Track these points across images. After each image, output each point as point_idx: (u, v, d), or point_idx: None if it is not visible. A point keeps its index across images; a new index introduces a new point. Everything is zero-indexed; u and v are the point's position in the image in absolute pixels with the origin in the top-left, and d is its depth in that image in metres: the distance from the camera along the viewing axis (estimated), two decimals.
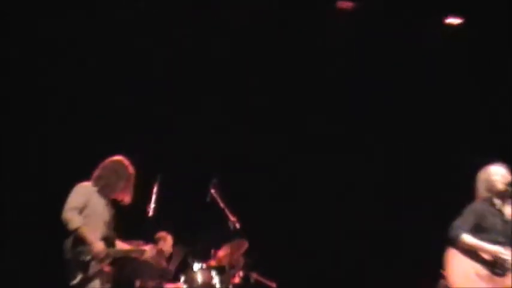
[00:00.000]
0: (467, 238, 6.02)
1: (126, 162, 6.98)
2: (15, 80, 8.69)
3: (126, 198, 6.94)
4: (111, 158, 6.98)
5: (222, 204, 7.79)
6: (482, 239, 6.03)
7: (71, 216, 6.54)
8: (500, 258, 6.01)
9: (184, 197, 8.89)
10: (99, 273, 6.59)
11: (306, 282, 9.36)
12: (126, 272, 7.26)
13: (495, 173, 6.29)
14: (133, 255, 7.06)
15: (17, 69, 8.69)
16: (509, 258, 6.01)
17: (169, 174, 7.59)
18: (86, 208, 6.66)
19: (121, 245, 6.92)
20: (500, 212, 6.22)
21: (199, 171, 8.70)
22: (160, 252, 7.90)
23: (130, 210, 6.98)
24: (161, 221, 7.65)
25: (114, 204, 6.91)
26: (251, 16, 9.16)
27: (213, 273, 7.77)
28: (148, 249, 7.10)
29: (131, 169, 6.96)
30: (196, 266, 7.80)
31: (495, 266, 6.04)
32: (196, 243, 8.13)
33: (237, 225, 7.74)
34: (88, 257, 6.52)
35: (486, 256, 6.04)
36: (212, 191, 7.83)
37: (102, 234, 6.68)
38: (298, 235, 9.47)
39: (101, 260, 6.58)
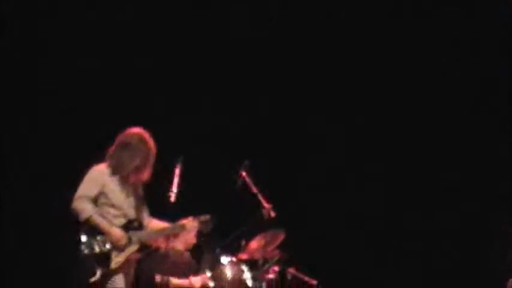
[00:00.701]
0: None
1: (145, 135, 5.94)
2: (15, 80, 8.69)
3: (144, 176, 5.90)
4: (127, 130, 5.99)
5: (254, 190, 7.01)
6: None
7: (82, 205, 5.66)
8: None
9: (211, 180, 8.26)
10: (124, 265, 5.70)
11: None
12: (145, 266, 6.34)
13: None
14: (170, 233, 6.15)
15: (17, 69, 8.70)
16: None
17: (191, 156, 6.68)
18: (102, 195, 5.76)
19: (156, 225, 5.99)
20: None
21: (224, 154, 8.28)
22: (204, 222, 6.23)
23: (150, 195, 6.13)
24: (184, 208, 6.48)
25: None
26: (251, 16, 9.17)
27: (244, 267, 6.92)
28: (188, 222, 6.04)
29: (151, 144, 5.92)
30: (225, 259, 6.92)
31: None
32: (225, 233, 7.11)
33: (272, 214, 6.93)
34: (107, 247, 5.63)
35: None
36: (243, 174, 7.07)
37: (126, 220, 5.76)
38: (298, 235, 9.45)
39: (123, 248, 5.67)
